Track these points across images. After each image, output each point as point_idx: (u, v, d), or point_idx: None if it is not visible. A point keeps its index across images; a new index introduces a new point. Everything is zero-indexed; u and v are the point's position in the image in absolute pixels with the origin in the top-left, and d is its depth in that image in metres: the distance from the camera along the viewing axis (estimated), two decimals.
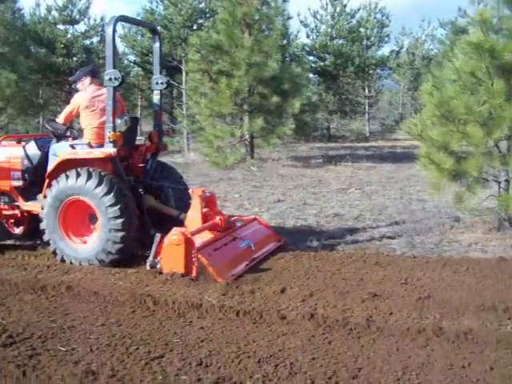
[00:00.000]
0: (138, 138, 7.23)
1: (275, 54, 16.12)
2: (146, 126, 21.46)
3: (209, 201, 6.58)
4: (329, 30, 29.06)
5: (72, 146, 6.60)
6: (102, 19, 24.74)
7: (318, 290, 5.32)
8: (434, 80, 7.89)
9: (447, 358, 3.89)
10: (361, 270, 6.02)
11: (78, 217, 6.50)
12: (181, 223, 6.37)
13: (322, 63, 28.87)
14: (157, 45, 7.15)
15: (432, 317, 4.61)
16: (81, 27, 25.07)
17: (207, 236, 6.31)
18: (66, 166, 6.41)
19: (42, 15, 24.58)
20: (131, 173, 6.94)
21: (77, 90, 7.07)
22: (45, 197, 6.50)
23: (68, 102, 7.02)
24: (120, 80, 6.16)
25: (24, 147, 7.04)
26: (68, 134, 7.04)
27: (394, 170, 15.42)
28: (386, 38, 30.63)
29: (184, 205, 6.79)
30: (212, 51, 16.21)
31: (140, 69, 29.13)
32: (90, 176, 6.20)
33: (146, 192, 6.90)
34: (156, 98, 7.20)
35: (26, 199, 6.96)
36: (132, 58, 29.21)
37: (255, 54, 15.68)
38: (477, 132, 7.29)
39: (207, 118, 16.30)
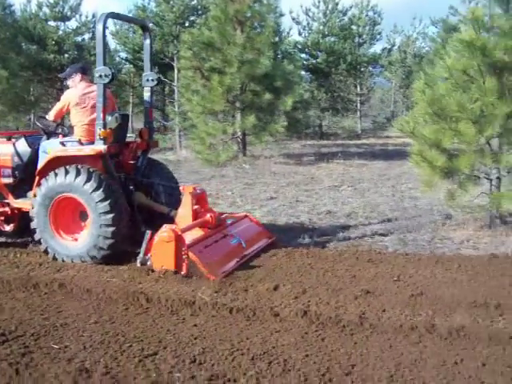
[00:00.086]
0: (128, 135, 7.22)
1: (267, 51, 16.13)
2: (138, 123, 21.41)
3: (199, 198, 6.58)
4: (321, 27, 29.08)
5: (62, 143, 6.57)
6: (93, 16, 24.69)
7: (311, 287, 5.33)
8: (426, 78, 7.91)
9: (440, 354, 3.91)
10: (353, 267, 6.04)
11: (68, 214, 6.48)
12: (171, 220, 6.37)
13: (314, 61, 28.89)
14: (147, 42, 7.13)
15: (424, 314, 4.63)
16: (72, 24, 25.05)
17: (198, 233, 6.32)
18: (56, 163, 6.38)
19: (33, 11, 24.48)
20: (122, 170, 6.92)
21: (68, 87, 7.04)
22: (34, 196, 6.47)
23: (59, 99, 6.99)
24: (110, 77, 6.13)
25: (14, 144, 7.01)
26: (59, 131, 7.02)
27: (386, 167, 15.45)
28: (378, 36, 30.74)
29: (174, 202, 6.80)
30: (204, 48, 16.17)
31: (132, 66, 29.04)
32: (78, 173, 6.18)
33: (136, 189, 6.89)
34: (146, 95, 7.19)
35: (16, 196, 6.93)
36: (124, 55, 29.21)
37: (247, 52, 15.67)
38: (469, 130, 7.32)
39: (199, 115, 16.28)
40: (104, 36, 6.24)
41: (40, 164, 6.59)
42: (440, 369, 3.69)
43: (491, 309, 4.73)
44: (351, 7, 29.76)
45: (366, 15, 29.91)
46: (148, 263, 5.80)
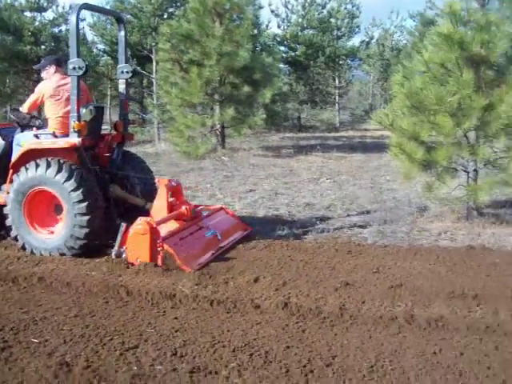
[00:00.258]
0: (103, 127, 7.15)
1: (246, 43, 16.07)
2: (116, 116, 21.22)
3: (175, 190, 6.58)
4: (300, 20, 29.02)
5: (36, 136, 6.51)
6: (70, 7, 24.22)
7: (291, 280, 5.36)
8: (404, 71, 7.98)
9: (419, 344, 3.96)
10: (333, 259, 6.08)
11: (42, 208, 6.42)
12: (147, 213, 6.35)
13: (292, 53, 28.82)
14: (122, 33, 7.07)
15: (404, 305, 4.68)
16: (49, 15, 24.80)
17: (173, 225, 6.32)
18: (29, 156, 6.31)
19: (8, 1, 24.02)
20: (97, 162, 6.87)
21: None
22: (8, 193, 6.40)
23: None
24: (84, 69, 6.06)
25: None
26: (35, 123, 6.94)
27: (364, 159, 15.53)
28: (357, 29, 30.68)
29: (150, 194, 6.77)
30: (183, 40, 16.09)
31: (109, 58, 28.74)
32: (49, 165, 6.13)
33: (112, 181, 6.86)
34: (121, 87, 7.13)
35: None
36: (101, 46, 28.84)
37: (226, 44, 15.61)
38: (446, 122, 7.40)
39: (178, 107, 16.20)
40: (78, 28, 6.16)
41: (14, 157, 6.51)
42: (419, 359, 3.74)
43: (469, 299, 4.80)
44: (330, 0, 29.78)
45: (345, 8, 29.86)
46: (123, 256, 5.80)
